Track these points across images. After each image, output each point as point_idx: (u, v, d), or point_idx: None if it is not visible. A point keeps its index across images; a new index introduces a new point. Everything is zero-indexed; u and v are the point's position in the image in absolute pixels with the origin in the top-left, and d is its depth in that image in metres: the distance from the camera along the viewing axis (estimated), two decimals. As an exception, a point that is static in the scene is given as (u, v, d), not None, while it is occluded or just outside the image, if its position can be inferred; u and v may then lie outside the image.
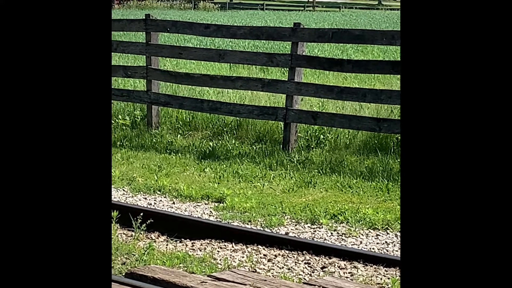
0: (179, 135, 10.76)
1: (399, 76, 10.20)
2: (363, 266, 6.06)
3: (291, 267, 6.10)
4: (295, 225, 7.20)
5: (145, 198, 8.13)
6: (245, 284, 5.20)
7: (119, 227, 6.99)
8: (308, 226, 7.13)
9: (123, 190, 8.44)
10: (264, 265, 6.14)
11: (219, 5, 58.79)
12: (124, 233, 6.92)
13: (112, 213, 6.99)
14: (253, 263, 6.14)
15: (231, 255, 6.37)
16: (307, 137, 10.11)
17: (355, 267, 6.06)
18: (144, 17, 11.12)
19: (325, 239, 6.80)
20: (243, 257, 6.32)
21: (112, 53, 14.68)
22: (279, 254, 6.35)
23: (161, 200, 8.05)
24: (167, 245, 6.64)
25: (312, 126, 10.06)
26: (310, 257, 6.27)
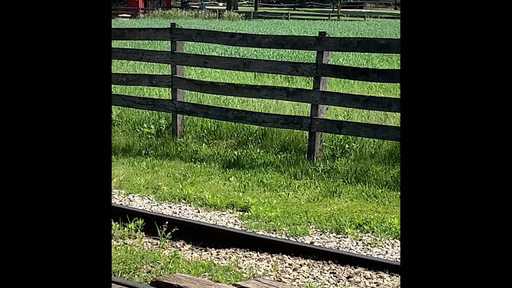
0: (204, 144, 10.78)
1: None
2: (389, 276, 6.03)
3: (317, 276, 6.08)
4: (320, 234, 7.18)
5: (170, 207, 8.14)
6: (271, 293, 5.18)
7: (144, 235, 7.00)
8: (333, 236, 7.11)
9: (148, 199, 8.46)
10: (289, 274, 6.13)
11: (244, 15, 58.90)
12: (149, 242, 6.93)
13: (138, 222, 7.02)
14: (278, 272, 6.13)
15: (256, 264, 6.36)
16: (332, 146, 10.09)
17: (381, 277, 6.03)
18: (169, 26, 11.15)
19: (350, 249, 6.77)
20: (268, 266, 6.31)
21: (138, 61, 14.76)
22: (304, 264, 6.34)
23: (186, 209, 8.05)
24: (192, 253, 6.64)
25: (337, 135, 10.04)
26: (335, 267, 6.25)
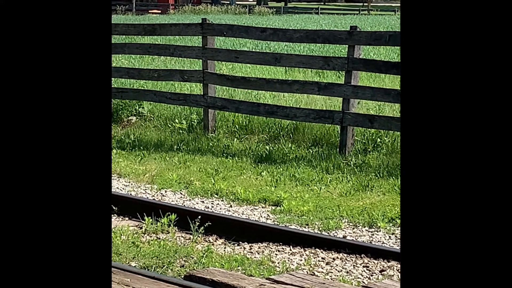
0: (235, 139, 10.79)
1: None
2: (422, 270, 6.01)
3: (350, 270, 6.08)
4: (353, 228, 7.17)
5: (203, 202, 8.17)
6: (304, 287, 5.19)
7: (177, 230, 7.04)
8: (366, 230, 7.10)
9: (181, 194, 8.49)
10: (322, 268, 6.13)
11: (274, 10, 58.84)
12: (182, 236, 6.96)
13: (170, 216, 7.05)
14: (311, 266, 6.14)
15: (289, 258, 6.37)
16: (364, 141, 10.07)
17: (414, 271, 6.01)
18: (200, 22, 11.17)
19: (383, 243, 6.76)
20: (301, 260, 6.31)
21: (169, 57, 14.82)
22: (337, 257, 6.33)
23: (218, 204, 8.08)
24: (225, 248, 6.67)
25: (369, 129, 10.01)
26: (368, 261, 6.24)
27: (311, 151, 9.97)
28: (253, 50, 17.31)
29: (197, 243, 6.70)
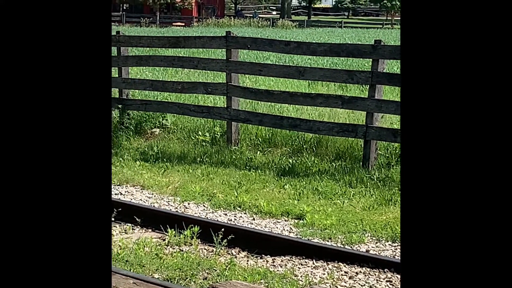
0: (258, 152, 10.80)
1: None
2: (446, 285, 5.98)
3: (373, 284, 6.06)
4: (376, 242, 7.15)
5: (225, 214, 8.17)
6: (327, 301, 5.18)
7: (200, 242, 7.05)
8: (389, 244, 7.08)
9: (204, 206, 8.50)
10: (345, 282, 6.11)
11: (297, 23, 58.90)
12: (205, 248, 6.97)
13: (194, 229, 7.06)
14: (334, 280, 6.12)
15: (312, 271, 6.36)
16: (387, 155, 10.05)
17: (437, 286, 5.98)
18: (224, 34, 11.21)
19: (406, 257, 6.72)
20: (324, 274, 6.30)
21: (193, 69, 14.87)
22: (360, 272, 6.32)
23: (241, 216, 8.08)
24: (248, 261, 6.66)
25: (392, 143, 9.99)
26: (391, 275, 6.22)
27: (334, 165, 9.96)
28: (277, 63, 17.34)
29: (220, 255, 6.71)
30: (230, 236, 6.79)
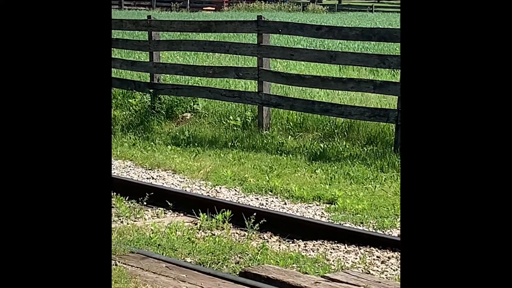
0: (290, 136, 10.79)
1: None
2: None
3: (405, 269, 6.04)
4: (408, 227, 7.12)
5: (257, 199, 8.18)
6: (359, 286, 5.18)
7: (232, 226, 7.06)
8: (421, 229, 7.05)
9: (235, 190, 8.52)
10: (377, 267, 6.11)
11: (328, 7, 58.66)
12: (237, 233, 6.98)
13: (225, 213, 7.08)
14: (366, 265, 6.12)
15: (344, 256, 6.36)
16: (419, 139, 9.98)
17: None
18: (255, 19, 11.19)
19: (439, 243, 6.70)
20: (356, 258, 6.30)
21: (223, 54, 14.86)
22: (392, 256, 6.30)
23: (272, 201, 8.09)
24: (279, 245, 6.67)
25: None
26: (424, 260, 6.20)
27: (366, 150, 9.93)
28: (308, 47, 17.28)
29: (252, 240, 6.72)
30: (262, 221, 6.80)
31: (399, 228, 7.07)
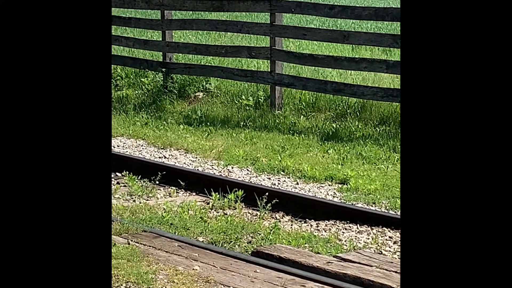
0: (302, 116, 10.77)
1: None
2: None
3: (417, 250, 6.04)
4: (420, 208, 7.11)
5: (269, 178, 8.18)
6: (371, 266, 5.19)
7: (244, 206, 7.07)
8: (434, 210, 7.04)
9: (247, 170, 8.52)
10: (389, 247, 6.11)
11: (340, -13, 58.46)
12: (249, 212, 6.99)
13: (238, 192, 7.08)
14: (378, 245, 6.12)
15: (356, 236, 6.36)
16: (432, 120, 9.96)
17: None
18: (268, -2, 11.14)
19: (451, 223, 6.70)
20: (368, 238, 6.30)
21: (236, 33, 14.83)
22: (404, 237, 6.29)
23: (284, 181, 8.08)
24: (291, 225, 6.68)
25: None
26: (436, 241, 6.19)
27: (378, 130, 9.91)
28: (320, 27, 17.22)
29: (264, 219, 6.72)
30: (274, 200, 6.81)
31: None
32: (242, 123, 10.60)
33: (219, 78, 12.09)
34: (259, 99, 11.42)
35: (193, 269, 5.07)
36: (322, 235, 6.35)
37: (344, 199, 7.36)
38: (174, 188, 7.72)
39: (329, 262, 5.25)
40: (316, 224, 6.67)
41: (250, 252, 5.75)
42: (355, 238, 6.29)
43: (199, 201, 7.27)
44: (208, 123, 10.67)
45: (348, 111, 10.67)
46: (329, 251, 5.87)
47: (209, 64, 12.82)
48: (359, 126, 10.08)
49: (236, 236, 6.19)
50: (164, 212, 6.76)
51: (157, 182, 7.74)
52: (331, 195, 7.56)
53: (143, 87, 12.68)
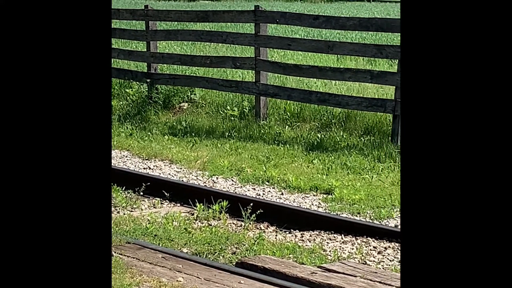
0: (287, 126, 10.78)
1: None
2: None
3: (402, 260, 6.04)
4: (405, 218, 7.11)
5: (254, 189, 8.17)
6: (356, 276, 5.18)
7: (228, 217, 7.05)
8: (418, 219, 7.04)
9: (232, 180, 8.51)
10: (374, 257, 6.10)
11: (325, -3, 58.52)
12: (233, 223, 6.98)
13: (222, 203, 7.07)
14: (363, 255, 6.11)
15: (340, 246, 6.35)
16: (416, 130, 9.97)
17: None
18: (253, 9, 11.15)
19: (435, 233, 6.70)
20: (352, 249, 6.29)
21: (221, 44, 14.82)
22: (389, 247, 6.30)
23: (269, 191, 8.08)
24: (276, 235, 6.67)
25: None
26: (420, 251, 6.19)
27: (363, 140, 9.92)
28: (305, 37, 17.25)
29: (248, 230, 6.71)
30: (258, 211, 6.79)
31: (396, 219, 7.07)
32: (227, 133, 10.60)
33: (204, 89, 12.09)
34: (244, 110, 11.42)
35: (177, 280, 5.05)
36: (306, 245, 6.34)
37: (328, 209, 7.35)
38: (159, 199, 7.70)
39: (314, 273, 5.23)
40: (301, 234, 6.66)
41: (234, 263, 5.73)
42: (340, 248, 6.28)
43: (184, 212, 7.25)
44: (193, 134, 10.65)
45: (332, 121, 10.69)
46: (313, 261, 5.86)
47: (194, 75, 12.82)
48: (344, 136, 10.09)
49: (220, 247, 6.18)
50: (148, 223, 6.73)
51: (142, 193, 7.72)
52: (315, 205, 7.56)
53: (128, 97, 12.66)
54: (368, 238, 6.48)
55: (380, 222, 6.97)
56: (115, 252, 5.53)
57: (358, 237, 6.51)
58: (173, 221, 6.83)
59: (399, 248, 6.26)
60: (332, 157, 9.22)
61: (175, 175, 8.78)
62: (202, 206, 7.17)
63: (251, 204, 6.89)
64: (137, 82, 12.77)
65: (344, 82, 11.70)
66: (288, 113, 11.12)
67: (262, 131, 10.55)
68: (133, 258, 5.48)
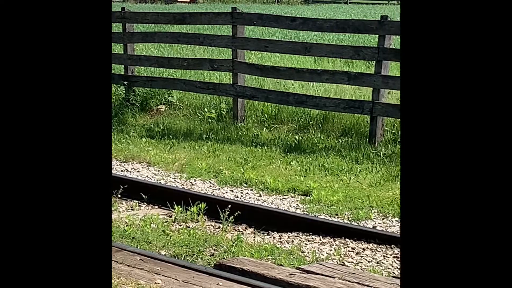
0: (264, 128, 10.78)
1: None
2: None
3: (380, 261, 6.06)
4: (383, 218, 7.14)
5: (232, 191, 8.17)
6: (334, 277, 5.18)
7: (206, 219, 7.05)
8: (396, 220, 7.07)
9: (210, 183, 8.50)
10: (352, 258, 6.12)
11: (303, -1, 58.64)
12: (211, 225, 6.97)
13: (200, 205, 7.06)
14: (341, 256, 6.12)
15: (319, 248, 6.36)
16: (393, 131, 10.02)
17: (444, 262, 5.97)
18: (230, 11, 11.15)
19: (413, 234, 6.72)
20: (331, 250, 6.30)
21: (198, 46, 14.81)
22: (367, 248, 6.32)
23: (247, 193, 8.07)
24: (254, 237, 6.67)
25: (399, 119, 9.95)
26: (398, 251, 6.22)
27: (341, 141, 9.94)
28: (282, 39, 17.26)
29: (226, 232, 6.71)
30: (236, 213, 6.79)
31: (374, 220, 7.09)
32: (204, 135, 10.59)
33: (181, 91, 12.07)
34: (222, 112, 11.42)
35: (155, 282, 5.03)
36: (284, 247, 6.35)
37: (306, 211, 7.36)
38: (137, 201, 7.68)
39: (292, 274, 5.23)
40: (279, 236, 6.66)
41: (212, 265, 5.72)
42: (318, 250, 6.29)
43: (162, 214, 7.23)
44: (171, 136, 10.63)
45: (310, 122, 10.70)
46: (291, 263, 5.86)
47: (171, 77, 12.80)
48: (322, 138, 10.11)
49: (198, 249, 6.17)
50: (126, 225, 6.71)
51: (119, 196, 7.69)
52: (293, 207, 7.56)
53: (105, 100, 12.61)
54: (346, 239, 6.49)
55: (358, 223, 6.98)
56: (92, 255, 5.50)
57: (336, 239, 6.52)
58: (151, 223, 6.81)
59: (377, 249, 6.28)
60: (310, 159, 9.23)
61: (153, 177, 8.76)
62: (180, 208, 7.15)
63: (229, 206, 6.88)
64: (114, 85, 12.72)
65: (321, 83, 11.72)
66: (266, 115, 11.12)
67: (240, 133, 10.55)
68: (111, 260, 5.46)
